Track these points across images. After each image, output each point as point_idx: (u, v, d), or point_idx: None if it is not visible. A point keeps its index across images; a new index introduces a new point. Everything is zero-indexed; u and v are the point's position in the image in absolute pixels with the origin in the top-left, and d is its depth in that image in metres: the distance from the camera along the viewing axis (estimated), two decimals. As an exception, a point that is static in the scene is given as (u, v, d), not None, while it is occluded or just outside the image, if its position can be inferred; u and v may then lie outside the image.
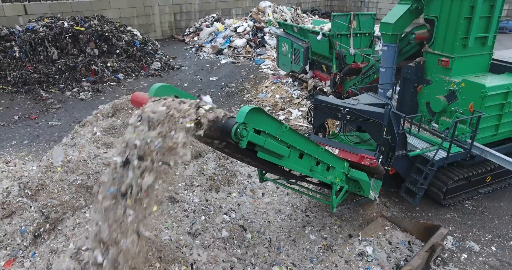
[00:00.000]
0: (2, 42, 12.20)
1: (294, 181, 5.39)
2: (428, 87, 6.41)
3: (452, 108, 6.04)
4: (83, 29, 13.23)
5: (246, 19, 18.46)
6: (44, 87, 11.77)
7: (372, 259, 4.75)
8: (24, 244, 4.62)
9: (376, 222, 5.44)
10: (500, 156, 5.51)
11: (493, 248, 5.27)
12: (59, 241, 4.59)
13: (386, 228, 5.36)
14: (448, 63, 5.96)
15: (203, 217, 5.11)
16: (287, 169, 3.98)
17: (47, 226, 4.76)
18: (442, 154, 5.58)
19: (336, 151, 4.90)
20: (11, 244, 4.61)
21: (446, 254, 5.10)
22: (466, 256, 5.10)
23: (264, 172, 5.19)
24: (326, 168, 4.25)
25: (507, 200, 6.30)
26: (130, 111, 6.86)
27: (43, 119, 9.82)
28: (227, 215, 5.30)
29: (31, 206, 4.91)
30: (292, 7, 19.54)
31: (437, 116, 6.32)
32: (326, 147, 4.35)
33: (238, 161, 6.70)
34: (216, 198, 5.64)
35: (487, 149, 5.68)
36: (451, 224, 5.72)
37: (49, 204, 4.85)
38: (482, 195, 6.33)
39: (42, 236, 4.71)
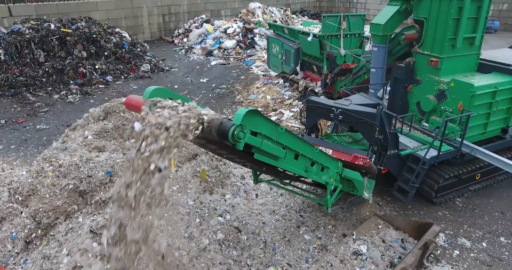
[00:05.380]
0: (-14, 45, 11.98)
1: (288, 181, 5.41)
2: (418, 87, 6.50)
3: (442, 108, 6.13)
4: (70, 31, 13.03)
5: (235, 20, 18.46)
6: (31, 90, 11.55)
7: (366, 258, 4.79)
8: (16, 251, 4.53)
9: (369, 221, 5.49)
10: (489, 153, 5.63)
11: (484, 244, 5.36)
12: (52, 247, 4.52)
13: (380, 226, 5.41)
14: (438, 63, 6.06)
15: (198, 220, 5.09)
16: (282, 170, 4.00)
17: (39, 232, 4.68)
18: (433, 152, 5.67)
19: (329, 152, 4.93)
20: (2, 251, 4.52)
21: (439, 251, 5.17)
22: (458, 252, 5.19)
23: (258, 173, 5.20)
24: (321, 169, 4.28)
25: (496, 197, 6.43)
26: (122, 114, 6.78)
27: (30, 123, 9.64)
28: (221, 217, 5.29)
29: (22, 212, 4.82)
30: (281, 8, 19.60)
31: (427, 116, 6.42)
32: (320, 148, 4.37)
33: (231, 163, 6.69)
34: (210, 200, 5.61)
35: (476, 147, 5.79)
36: (442, 221, 5.81)
37: (40, 209, 4.77)
38: (472, 192, 6.44)
39: (34, 242, 4.63)
